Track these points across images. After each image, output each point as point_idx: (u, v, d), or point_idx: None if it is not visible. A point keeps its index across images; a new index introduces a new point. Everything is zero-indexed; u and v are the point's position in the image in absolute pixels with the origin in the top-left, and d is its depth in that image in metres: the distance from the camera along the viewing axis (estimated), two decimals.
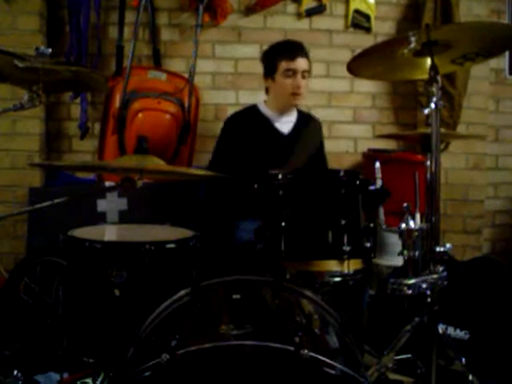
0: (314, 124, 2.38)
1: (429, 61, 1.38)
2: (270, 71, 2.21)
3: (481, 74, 2.94)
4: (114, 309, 1.53)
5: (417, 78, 1.58)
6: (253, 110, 2.29)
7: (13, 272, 2.27)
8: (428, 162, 1.39)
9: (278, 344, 1.02)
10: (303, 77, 2.17)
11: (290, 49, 2.20)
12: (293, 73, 2.15)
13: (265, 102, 2.29)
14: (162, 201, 2.49)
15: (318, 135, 2.40)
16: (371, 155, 2.80)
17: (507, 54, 3.07)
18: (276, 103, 2.25)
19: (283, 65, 2.15)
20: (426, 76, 1.38)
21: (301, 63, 2.16)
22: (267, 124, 2.25)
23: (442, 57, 1.40)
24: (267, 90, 2.28)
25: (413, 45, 1.38)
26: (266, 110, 2.27)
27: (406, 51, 1.41)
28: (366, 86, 3.00)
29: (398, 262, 1.51)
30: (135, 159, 1.54)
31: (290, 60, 2.15)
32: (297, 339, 1.02)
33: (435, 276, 1.33)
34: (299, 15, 2.95)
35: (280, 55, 2.18)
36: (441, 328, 1.53)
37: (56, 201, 1.51)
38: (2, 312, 2.12)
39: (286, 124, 2.26)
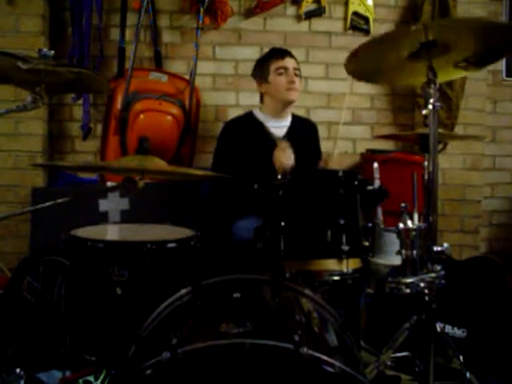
0: (309, 127, 2.42)
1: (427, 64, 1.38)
2: (263, 75, 2.30)
3: (478, 76, 2.95)
4: (115, 307, 1.54)
5: (416, 83, 1.55)
6: (249, 116, 2.36)
7: (16, 271, 2.27)
8: (426, 163, 1.39)
9: (278, 342, 1.02)
10: (295, 74, 2.26)
11: (278, 50, 2.33)
12: (284, 70, 2.25)
13: (259, 108, 2.37)
14: (163, 201, 2.51)
15: (313, 138, 2.43)
16: (370, 156, 2.82)
17: None
18: (271, 106, 2.32)
19: (274, 65, 2.26)
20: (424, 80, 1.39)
21: (290, 62, 2.27)
22: (261, 128, 2.30)
23: (439, 60, 1.39)
24: (261, 98, 2.36)
25: (413, 42, 1.35)
26: (260, 116, 2.34)
27: (404, 52, 1.41)
28: (365, 87, 3.00)
29: (396, 261, 1.51)
30: (137, 160, 1.54)
31: (280, 59, 2.27)
32: (296, 337, 1.01)
33: (433, 275, 1.33)
34: (299, 17, 2.97)
35: (270, 58, 2.30)
36: (439, 326, 1.54)
37: (58, 201, 1.52)
38: (5, 311, 2.13)
39: (279, 128, 2.31)
